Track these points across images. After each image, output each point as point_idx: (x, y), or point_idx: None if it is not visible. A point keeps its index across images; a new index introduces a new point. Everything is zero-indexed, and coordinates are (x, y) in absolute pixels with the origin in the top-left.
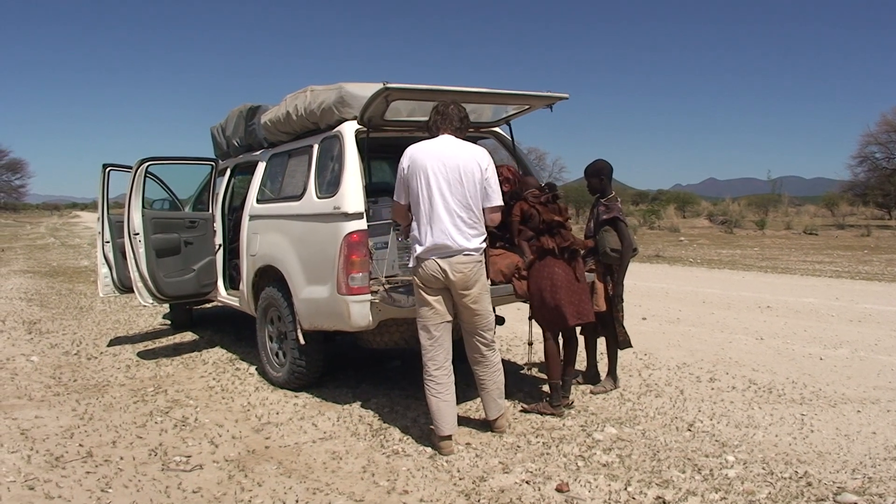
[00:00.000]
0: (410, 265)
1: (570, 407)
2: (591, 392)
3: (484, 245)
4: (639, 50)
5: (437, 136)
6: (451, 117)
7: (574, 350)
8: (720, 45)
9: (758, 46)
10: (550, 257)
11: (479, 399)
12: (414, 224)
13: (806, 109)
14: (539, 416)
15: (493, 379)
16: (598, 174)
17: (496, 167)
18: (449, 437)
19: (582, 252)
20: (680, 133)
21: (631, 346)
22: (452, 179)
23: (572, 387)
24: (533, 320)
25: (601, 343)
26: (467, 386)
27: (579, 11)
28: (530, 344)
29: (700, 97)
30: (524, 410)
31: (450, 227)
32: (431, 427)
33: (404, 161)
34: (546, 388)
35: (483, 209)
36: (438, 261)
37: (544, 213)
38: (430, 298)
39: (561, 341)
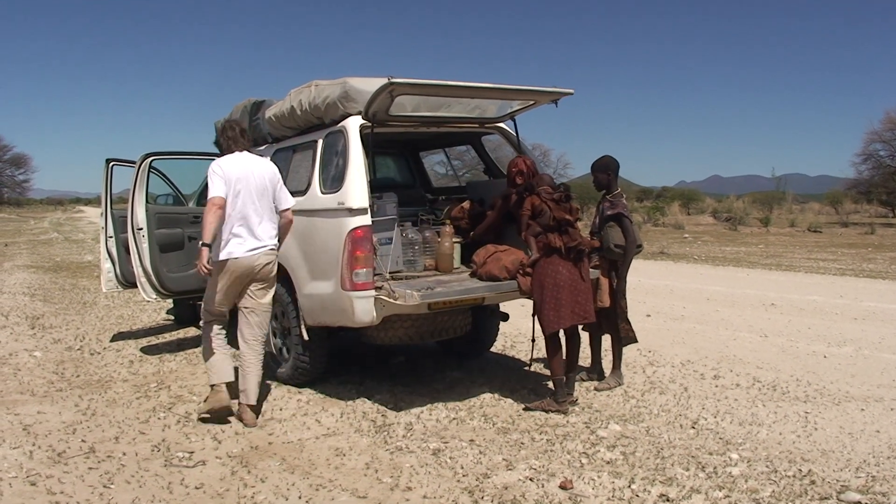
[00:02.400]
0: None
1: (574, 404)
2: (596, 389)
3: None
4: (644, 46)
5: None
6: (240, 137)
7: (577, 348)
8: (725, 41)
9: (763, 43)
10: (557, 256)
11: (483, 396)
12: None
13: (810, 107)
14: (543, 413)
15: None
16: (606, 170)
17: (512, 161)
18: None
19: (587, 252)
20: (684, 130)
21: (636, 342)
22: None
23: (576, 383)
24: (535, 318)
25: (606, 340)
26: (472, 382)
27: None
28: (534, 340)
29: (705, 94)
30: (528, 408)
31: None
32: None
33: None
34: (550, 384)
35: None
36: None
37: (556, 210)
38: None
39: (564, 339)
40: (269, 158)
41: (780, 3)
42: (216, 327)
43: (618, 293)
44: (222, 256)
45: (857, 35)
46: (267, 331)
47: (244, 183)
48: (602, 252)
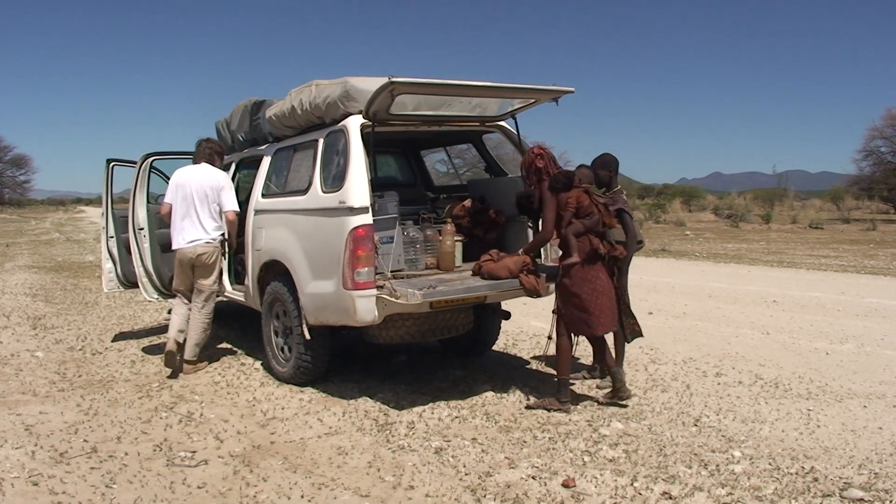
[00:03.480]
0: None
1: (629, 397)
2: (598, 387)
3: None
4: (644, 42)
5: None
6: (202, 152)
7: (605, 346)
8: (725, 38)
9: (763, 39)
10: (599, 262)
11: (485, 394)
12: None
13: (811, 103)
14: (545, 411)
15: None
16: (608, 167)
17: (528, 155)
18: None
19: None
20: (685, 127)
21: (642, 336)
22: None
23: (579, 382)
24: (556, 315)
25: (608, 337)
26: (474, 381)
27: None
28: (550, 338)
29: (705, 91)
30: (529, 407)
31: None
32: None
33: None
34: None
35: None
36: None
37: (605, 215)
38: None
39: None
40: (269, 158)
41: (781, 1)
42: (179, 301)
43: (620, 289)
44: (173, 247)
45: (858, 31)
46: (212, 308)
47: (186, 189)
48: None
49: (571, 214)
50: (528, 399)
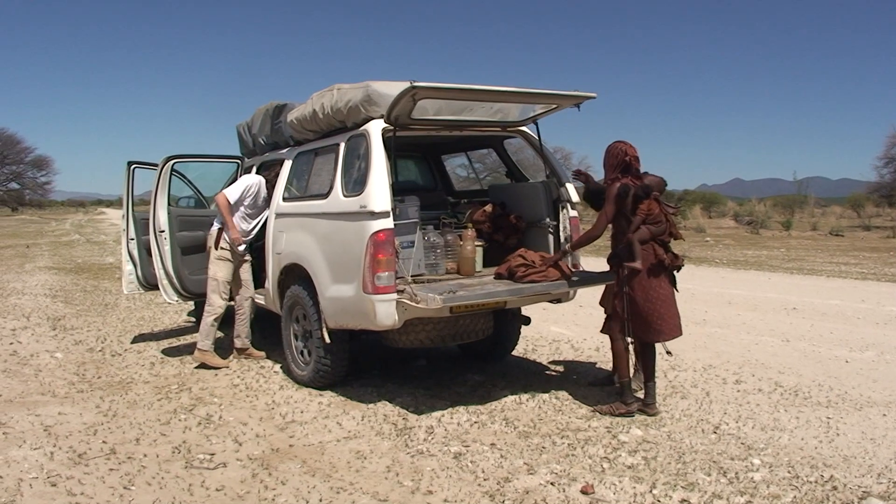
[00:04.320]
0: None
1: (654, 413)
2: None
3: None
4: (665, 49)
5: None
6: None
7: (653, 357)
8: (746, 45)
9: (784, 47)
10: (661, 272)
11: (504, 400)
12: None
13: (832, 110)
14: (565, 417)
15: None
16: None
17: (622, 145)
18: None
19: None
20: (705, 133)
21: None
22: None
23: (598, 388)
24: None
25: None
26: (493, 386)
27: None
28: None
29: (726, 97)
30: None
31: None
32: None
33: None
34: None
35: None
36: None
37: (673, 227)
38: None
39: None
40: (290, 161)
41: (801, 7)
42: None
43: None
44: None
45: (879, 38)
46: (211, 301)
47: None
48: None
49: (641, 221)
50: (548, 405)
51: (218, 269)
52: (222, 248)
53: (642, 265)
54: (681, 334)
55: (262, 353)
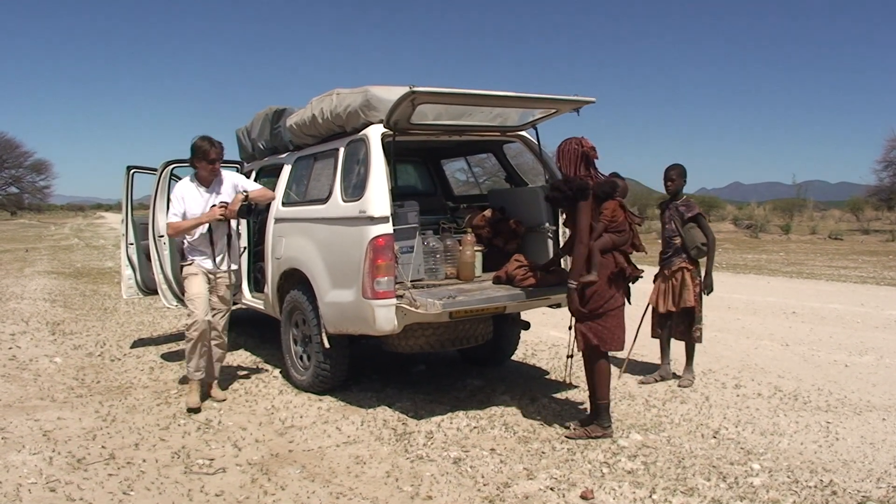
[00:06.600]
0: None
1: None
2: (679, 385)
3: None
4: (664, 53)
5: None
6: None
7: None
8: (745, 49)
9: (783, 50)
10: (621, 282)
11: (503, 405)
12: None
13: (831, 114)
14: (568, 426)
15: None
16: (684, 175)
17: (575, 143)
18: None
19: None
20: (705, 137)
21: (701, 342)
22: None
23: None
24: (574, 330)
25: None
26: (493, 391)
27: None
28: (571, 357)
29: (725, 101)
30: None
31: None
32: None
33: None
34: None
35: None
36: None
37: (636, 237)
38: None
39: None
40: (289, 166)
41: (801, 9)
42: None
43: (704, 291)
44: None
45: (880, 41)
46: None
47: None
48: (686, 253)
49: (604, 227)
50: (548, 410)
51: (190, 285)
52: (187, 265)
53: (597, 275)
54: (622, 349)
55: (225, 396)
